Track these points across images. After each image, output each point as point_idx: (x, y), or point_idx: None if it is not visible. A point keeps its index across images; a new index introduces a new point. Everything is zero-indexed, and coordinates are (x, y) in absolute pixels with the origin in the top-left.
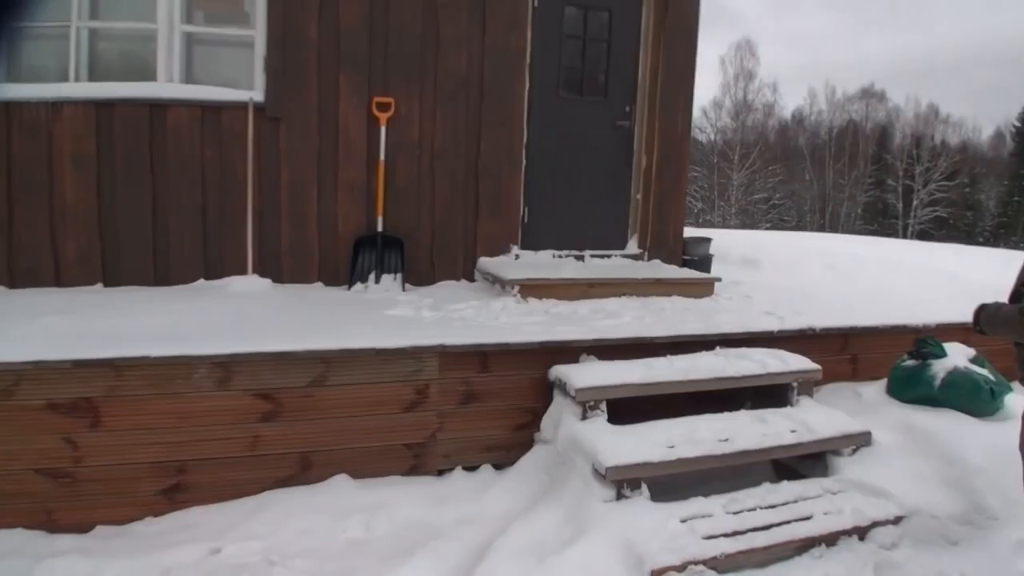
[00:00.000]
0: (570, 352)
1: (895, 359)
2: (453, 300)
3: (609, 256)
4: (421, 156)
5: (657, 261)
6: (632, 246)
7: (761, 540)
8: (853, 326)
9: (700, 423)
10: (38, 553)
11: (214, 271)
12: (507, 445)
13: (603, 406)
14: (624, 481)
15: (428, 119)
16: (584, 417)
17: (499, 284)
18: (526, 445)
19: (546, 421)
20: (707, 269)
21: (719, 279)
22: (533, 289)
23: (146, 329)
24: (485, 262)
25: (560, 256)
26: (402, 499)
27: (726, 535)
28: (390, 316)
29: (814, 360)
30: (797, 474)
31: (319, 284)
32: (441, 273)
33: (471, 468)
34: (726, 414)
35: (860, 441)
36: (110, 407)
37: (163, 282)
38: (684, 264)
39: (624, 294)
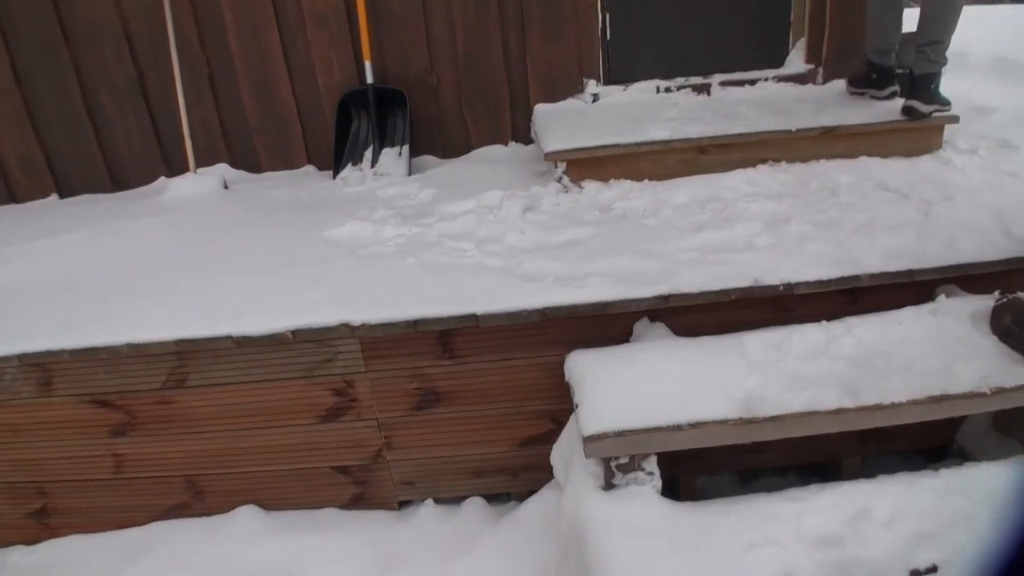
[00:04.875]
0: (612, 321)
1: None
2: (464, 192)
3: (753, 82)
4: None
5: (839, 85)
6: (795, 61)
7: None
8: None
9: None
10: None
11: (177, 166)
12: (512, 467)
13: (650, 465)
14: None
15: None
16: (609, 484)
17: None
18: (542, 468)
19: (556, 454)
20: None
21: (955, 118)
22: (588, 167)
23: None
24: (542, 112)
25: (669, 90)
26: (330, 552)
27: None
28: (330, 240)
29: None
30: None
31: (310, 168)
32: (479, 135)
33: (453, 499)
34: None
35: None
36: None
37: (121, 185)
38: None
39: (765, 160)
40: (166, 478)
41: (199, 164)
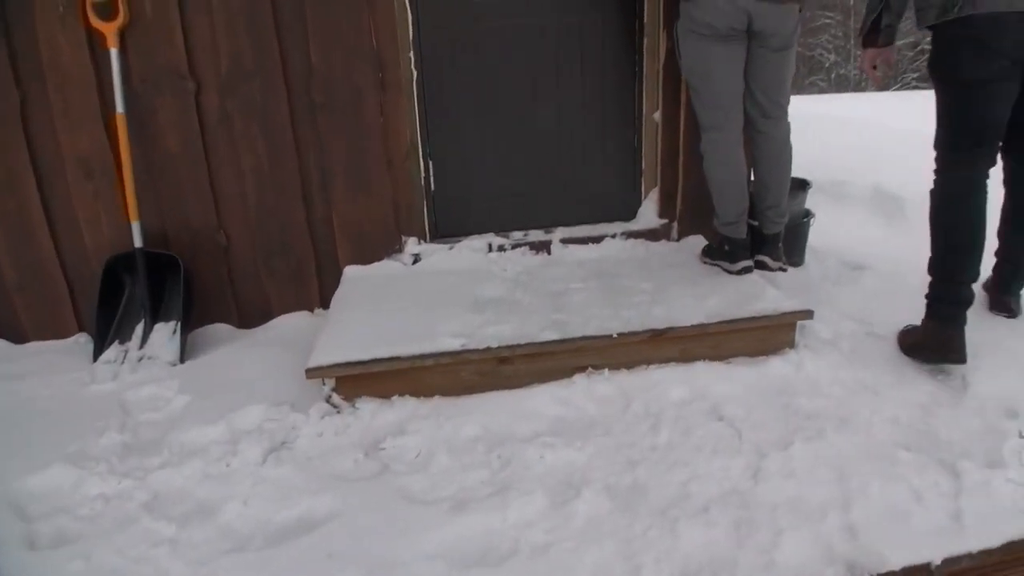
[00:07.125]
0: None
1: None
2: (222, 401)
3: (599, 240)
4: (201, 93)
5: (696, 242)
6: (648, 214)
7: None
8: None
9: None
10: None
11: None
12: None
13: None
14: None
15: (200, 17)
16: None
17: None
18: None
19: None
20: (800, 245)
21: (808, 314)
22: (364, 382)
23: None
24: (353, 276)
25: (503, 248)
26: None
27: None
28: (19, 498)
29: None
30: None
31: (81, 338)
32: (281, 300)
33: None
34: None
35: None
36: None
37: None
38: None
39: (584, 368)
40: None
41: None
